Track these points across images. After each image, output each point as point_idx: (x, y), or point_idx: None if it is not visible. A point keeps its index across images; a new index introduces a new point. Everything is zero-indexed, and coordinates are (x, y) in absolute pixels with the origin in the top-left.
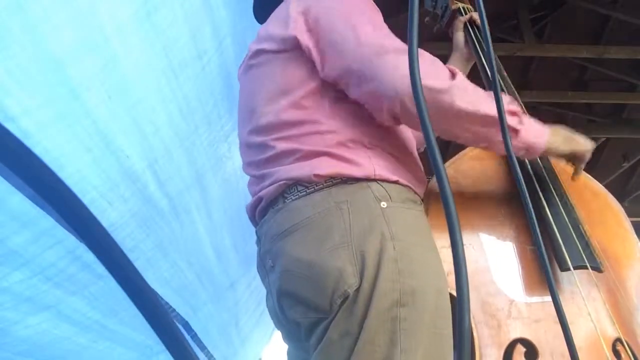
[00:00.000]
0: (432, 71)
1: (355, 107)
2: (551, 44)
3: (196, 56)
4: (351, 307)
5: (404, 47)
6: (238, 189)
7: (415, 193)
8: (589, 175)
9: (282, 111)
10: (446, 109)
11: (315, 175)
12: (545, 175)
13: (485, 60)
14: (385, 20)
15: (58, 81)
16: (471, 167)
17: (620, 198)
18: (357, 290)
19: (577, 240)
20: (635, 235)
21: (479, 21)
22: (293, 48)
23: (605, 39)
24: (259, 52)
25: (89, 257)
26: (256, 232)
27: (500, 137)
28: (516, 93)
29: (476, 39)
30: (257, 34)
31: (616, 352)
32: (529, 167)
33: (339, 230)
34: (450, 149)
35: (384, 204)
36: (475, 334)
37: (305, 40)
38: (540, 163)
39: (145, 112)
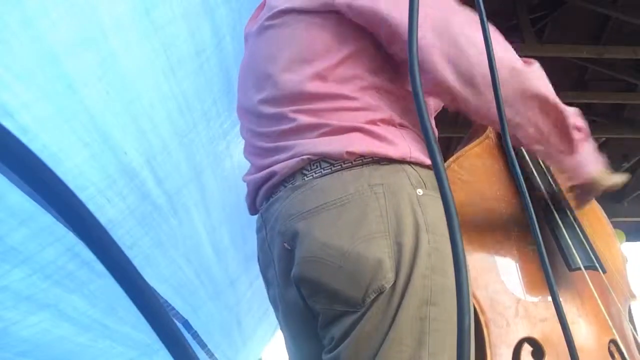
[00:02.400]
0: (512, 53)
1: (385, 83)
2: (551, 44)
3: (194, 53)
4: (385, 303)
5: (474, 15)
6: (237, 186)
7: None
8: None
9: (306, 81)
10: (525, 88)
11: (348, 153)
12: (549, 177)
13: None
14: None
15: (56, 76)
16: (476, 163)
17: (620, 198)
18: (393, 286)
19: (584, 241)
20: (617, 239)
21: None
22: (323, 10)
23: (605, 39)
24: (281, 12)
25: (88, 254)
26: (261, 214)
27: (560, 146)
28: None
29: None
30: None
31: (610, 353)
32: (532, 168)
33: (374, 216)
34: (451, 149)
35: (420, 191)
36: (485, 333)
37: None
38: (543, 166)
39: (143, 109)
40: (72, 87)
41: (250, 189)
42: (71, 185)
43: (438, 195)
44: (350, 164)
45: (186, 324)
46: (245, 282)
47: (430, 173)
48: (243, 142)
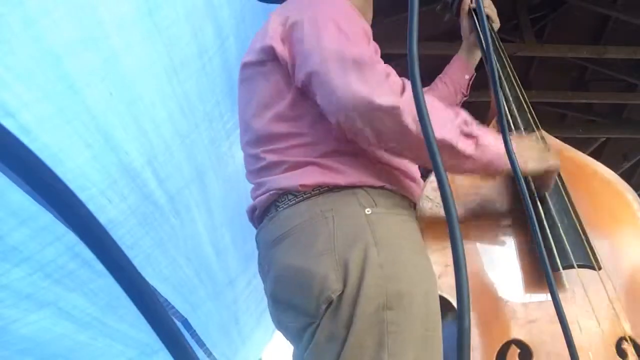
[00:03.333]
0: (380, 85)
1: None
2: (551, 44)
3: (197, 55)
4: (335, 311)
5: (365, 58)
6: (238, 187)
7: (404, 197)
8: (599, 163)
9: (268, 124)
10: (392, 127)
11: (302, 185)
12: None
13: (488, 50)
14: (386, 20)
15: (58, 76)
16: None
17: None
18: (341, 295)
19: (566, 239)
20: None
21: (485, 8)
22: (271, 58)
23: (605, 39)
24: (245, 65)
25: (89, 253)
26: (255, 237)
27: (451, 162)
28: (520, 87)
29: (480, 27)
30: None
31: (622, 351)
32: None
33: (323, 237)
34: None
35: (368, 211)
36: None
37: (280, 49)
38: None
39: (145, 109)
40: (73, 87)
41: (249, 219)
42: (72, 185)
43: (391, 211)
44: (309, 194)
45: (185, 323)
46: (244, 281)
47: (384, 192)
48: None
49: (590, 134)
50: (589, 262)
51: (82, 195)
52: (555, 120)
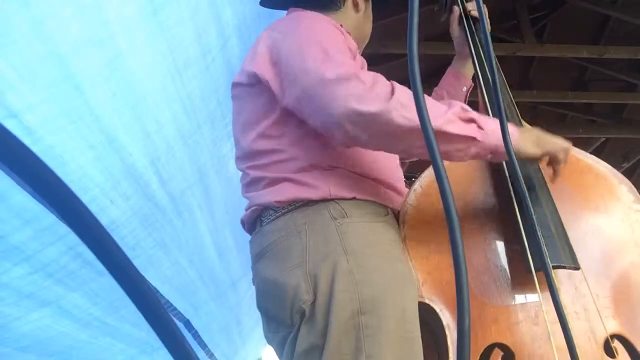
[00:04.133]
0: (366, 94)
1: (315, 132)
2: (551, 44)
3: (200, 55)
4: (310, 321)
5: (346, 73)
6: (240, 189)
7: (380, 205)
8: (595, 157)
9: (252, 141)
10: (385, 130)
11: (277, 202)
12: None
13: (480, 59)
14: (385, 21)
15: (62, 77)
16: (451, 165)
17: None
18: (313, 304)
19: (538, 241)
20: None
21: (474, 13)
22: (256, 82)
23: (605, 39)
24: (235, 85)
25: (90, 253)
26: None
27: (454, 147)
28: (510, 93)
29: (470, 33)
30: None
31: (610, 350)
32: (504, 165)
33: (297, 251)
34: None
35: (339, 222)
36: (449, 340)
37: (265, 74)
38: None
39: (149, 110)
40: (78, 88)
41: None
42: (75, 186)
43: (364, 220)
44: (286, 209)
45: (187, 324)
46: (246, 283)
47: (355, 203)
48: None
49: (590, 134)
50: (564, 261)
51: (85, 196)
52: (555, 120)
